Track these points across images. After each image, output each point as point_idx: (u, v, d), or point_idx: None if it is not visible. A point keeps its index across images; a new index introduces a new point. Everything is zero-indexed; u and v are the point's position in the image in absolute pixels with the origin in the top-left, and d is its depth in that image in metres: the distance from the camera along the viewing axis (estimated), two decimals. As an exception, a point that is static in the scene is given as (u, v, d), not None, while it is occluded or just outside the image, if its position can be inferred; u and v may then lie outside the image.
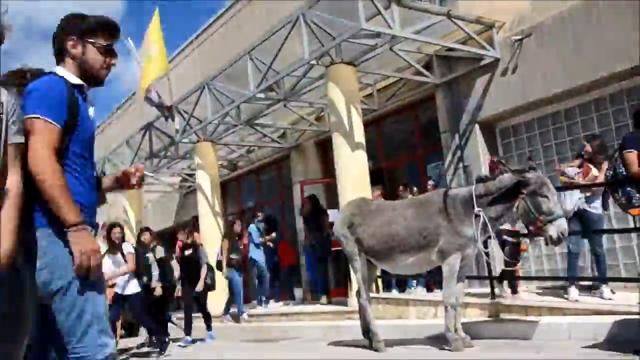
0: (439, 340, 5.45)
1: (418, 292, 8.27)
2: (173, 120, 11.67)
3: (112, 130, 20.58)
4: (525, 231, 5.31)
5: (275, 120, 11.99)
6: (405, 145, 11.00)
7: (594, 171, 5.90)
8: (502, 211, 5.06)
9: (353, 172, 8.29)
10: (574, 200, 6.05)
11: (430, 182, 8.75)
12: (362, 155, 8.45)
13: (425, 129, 10.29)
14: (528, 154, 7.75)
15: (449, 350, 5.15)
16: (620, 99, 7.72)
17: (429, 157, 10.10)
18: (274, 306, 10.76)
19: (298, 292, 12.02)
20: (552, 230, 4.50)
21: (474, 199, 5.11)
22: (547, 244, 4.92)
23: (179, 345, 8.48)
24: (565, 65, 7.74)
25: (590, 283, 6.53)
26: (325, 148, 11.46)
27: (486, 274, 6.82)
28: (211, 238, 11.48)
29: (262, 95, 9.66)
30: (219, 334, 9.08)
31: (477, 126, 8.91)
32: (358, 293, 5.99)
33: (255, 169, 14.62)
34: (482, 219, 5.04)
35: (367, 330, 5.89)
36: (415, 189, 8.74)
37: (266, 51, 9.11)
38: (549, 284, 7.49)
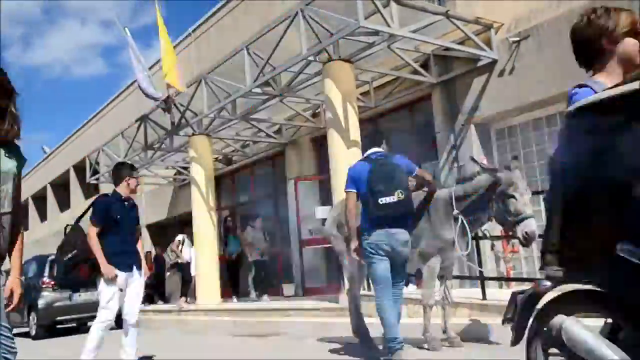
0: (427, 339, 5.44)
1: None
2: (170, 112, 11.59)
3: (107, 121, 20.50)
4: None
5: (271, 116, 11.95)
6: (401, 143, 10.98)
7: None
8: (480, 213, 4.97)
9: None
10: None
11: None
12: (357, 153, 8.41)
13: (421, 128, 10.28)
14: (511, 154, 7.72)
15: (427, 349, 5.17)
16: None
17: (423, 156, 10.10)
18: (266, 301, 10.77)
19: (289, 289, 12.02)
20: (519, 231, 4.45)
21: (453, 201, 5.07)
22: (520, 244, 4.85)
23: None
24: (561, 67, 7.73)
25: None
26: (320, 145, 11.44)
27: (477, 275, 6.82)
28: (204, 230, 11.52)
29: (258, 90, 9.62)
30: (212, 327, 9.08)
31: (472, 126, 8.91)
32: (349, 291, 5.99)
33: (250, 164, 14.59)
34: (459, 222, 5.00)
35: (357, 329, 5.89)
36: None
37: (263, 46, 9.07)
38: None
